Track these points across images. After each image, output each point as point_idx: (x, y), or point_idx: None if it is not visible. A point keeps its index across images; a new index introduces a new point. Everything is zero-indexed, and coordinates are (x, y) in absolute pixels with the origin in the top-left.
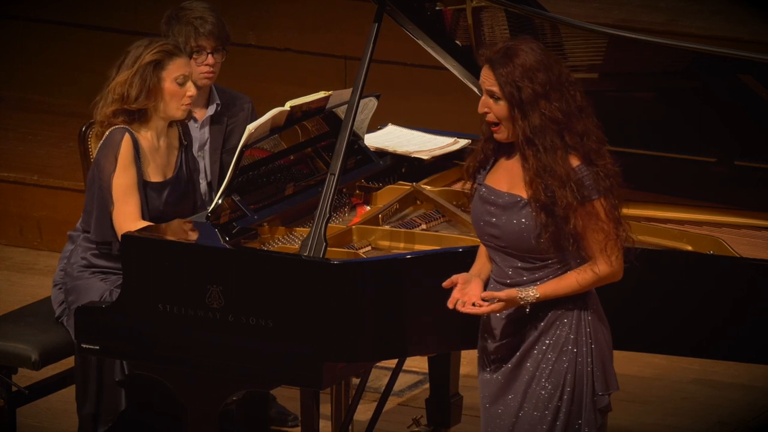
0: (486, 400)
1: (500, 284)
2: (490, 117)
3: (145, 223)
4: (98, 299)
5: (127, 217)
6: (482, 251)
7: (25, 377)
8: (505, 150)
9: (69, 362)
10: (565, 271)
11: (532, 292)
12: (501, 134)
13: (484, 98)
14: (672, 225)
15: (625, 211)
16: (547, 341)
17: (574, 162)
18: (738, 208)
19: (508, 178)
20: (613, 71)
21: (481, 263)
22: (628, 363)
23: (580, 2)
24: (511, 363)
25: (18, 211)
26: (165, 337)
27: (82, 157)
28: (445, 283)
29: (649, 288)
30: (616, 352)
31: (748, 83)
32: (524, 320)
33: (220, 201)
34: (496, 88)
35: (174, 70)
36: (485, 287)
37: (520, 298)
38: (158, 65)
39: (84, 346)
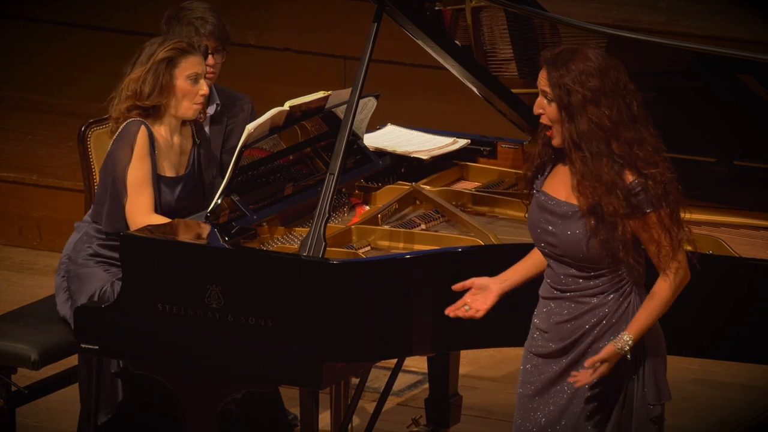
0: (526, 399)
1: (555, 289)
2: (544, 119)
3: (158, 217)
4: (99, 289)
5: (141, 209)
6: (530, 256)
7: (24, 377)
8: (562, 157)
9: (68, 362)
10: (620, 280)
11: (626, 338)
12: (556, 139)
13: (540, 99)
14: None
15: None
16: (599, 349)
17: (629, 177)
18: (738, 208)
19: (565, 185)
20: None
21: (520, 268)
22: None
23: (579, 2)
24: (560, 366)
25: (17, 211)
26: (164, 337)
27: (81, 157)
28: (457, 286)
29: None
30: None
31: (748, 83)
32: (577, 326)
33: (219, 201)
34: (548, 89)
35: (187, 67)
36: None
37: (618, 349)
38: (171, 62)
39: (84, 346)
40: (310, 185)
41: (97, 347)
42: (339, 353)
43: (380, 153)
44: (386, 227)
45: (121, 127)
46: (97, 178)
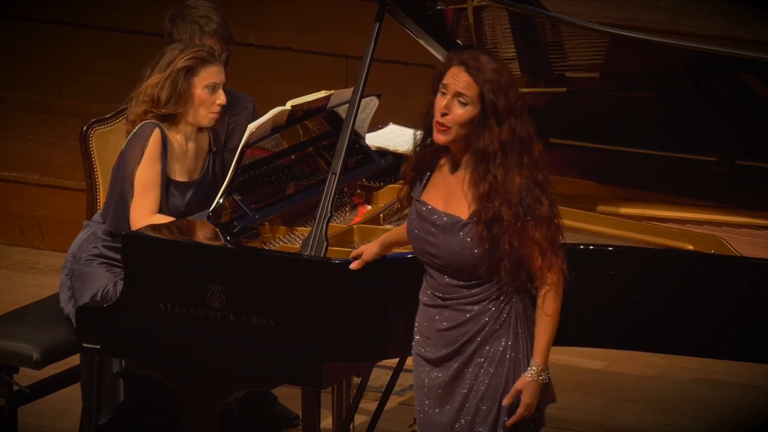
0: (422, 405)
1: (437, 297)
2: (447, 119)
3: (160, 217)
4: (102, 289)
5: (143, 212)
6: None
7: (26, 376)
8: (439, 166)
9: (70, 361)
10: (500, 287)
11: (534, 366)
12: (445, 136)
13: (448, 100)
14: (673, 224)
15: (627, 210)
16: (484, 354)
17: (516, 180)
18: (739, 207)
19: (444, 196)
20: (614, 70)
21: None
22: (628, 362)
23: (580, 1)
24: (449, 374)
25: (19, 211)
26: (166, 337)
27: (83, 157)
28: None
29: (650, 287)
30: (616, 352)
31: (749, 82)
32: (461, 333)
33: (221, 200)
34: (470, 92)
35: (206, 77)
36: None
37: (532, 381)
38: (190, 71)
39: (85, 345)
40: (311, 184)
41: (98, 347)
42: (340, 353)
43: (382, 152)
44: (388, 227)
45: (136, 127)
46: (99, 177)
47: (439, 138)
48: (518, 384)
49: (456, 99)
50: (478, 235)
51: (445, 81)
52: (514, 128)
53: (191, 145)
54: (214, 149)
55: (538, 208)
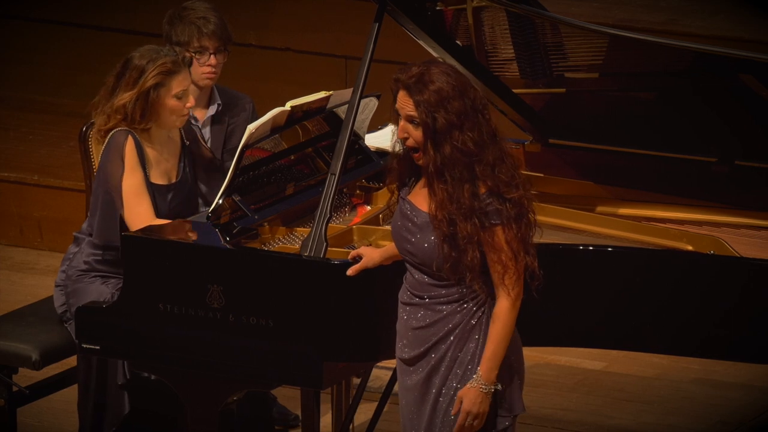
0: (403, 407)
1: (413, 295)
2: (410, 142)
3: (162, 221)
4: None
5: (143, 218)
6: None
7: (25, 377)
8: (425, 169)
9: (70, 362)
10: (474, 290)
11: (477, 376)
12: (421, 160)
13: (403, 123)
14: (672, 225)
15: (626, 210)
16: (454, 357)
17: (482, 189)
18: (738, 207)
19: (426, 197)
20: (613, 71)
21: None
22: (628, 362)
23: (580, 2)
24: (422, 377)
25: (18, 211)
26: (166, 337)
27: (82, 157)
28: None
29: (650, 287)
30: (616, 352)
31: (749, 83)
32: (432, 333)
33: (220, 201)
34: (416, 114)
35: (174, 86)
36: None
37: (471, 389)
38: (159, 85)
39: (85, 346)
40: (311, 185)
41: (98, 347)
42: (340, 353)
43: (381, 153)
44: (387, 227)
45: (108, 138)
46: None
47: (419, 161)
48: (460, 392)
49: (409, 123)
50: (441, 250)
51: (396, 105)
52: (456, 144)
53: (165, 148)
54: (187, 143)
55: (505, 210)
